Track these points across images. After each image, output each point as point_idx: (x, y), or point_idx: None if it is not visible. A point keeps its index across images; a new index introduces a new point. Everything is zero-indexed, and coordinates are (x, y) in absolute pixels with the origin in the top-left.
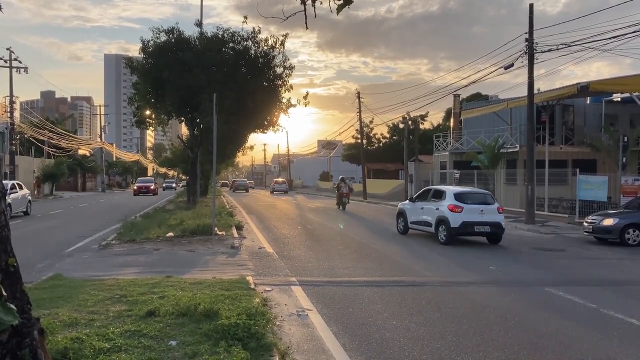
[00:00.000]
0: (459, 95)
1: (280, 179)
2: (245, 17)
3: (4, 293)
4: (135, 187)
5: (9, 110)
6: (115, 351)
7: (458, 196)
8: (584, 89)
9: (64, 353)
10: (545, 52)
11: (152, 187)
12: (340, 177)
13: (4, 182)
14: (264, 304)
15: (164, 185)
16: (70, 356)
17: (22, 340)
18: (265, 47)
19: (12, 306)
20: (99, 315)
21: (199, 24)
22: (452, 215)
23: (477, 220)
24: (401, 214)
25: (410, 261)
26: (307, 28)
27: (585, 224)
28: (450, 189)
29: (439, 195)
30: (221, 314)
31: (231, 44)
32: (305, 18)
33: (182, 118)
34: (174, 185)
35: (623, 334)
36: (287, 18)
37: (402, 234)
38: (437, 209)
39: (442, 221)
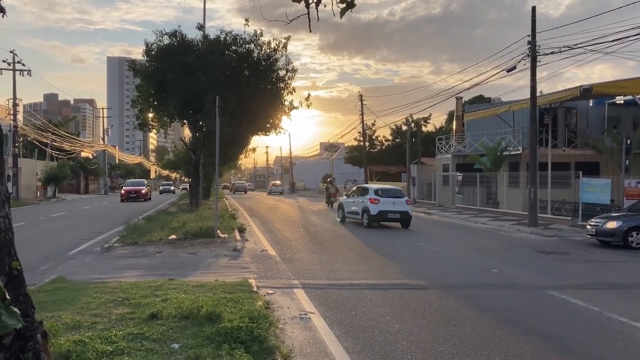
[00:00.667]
0: (461, 98)
1: (277, 182)
2: (247, 20)
3: (8, 296)
4: (122, 192)
5: (12, 112)
6: (118, 354)
7: (376, 192)
8: (586, 92)
9: (66, 356)
10: (547, 54)
11: (143, 192)
12: (328, 179)
13: None
14: (267, 307)
15: (160, 188)
16: (73, 359)
17: (26, 343)
18: (268, 50)
19: (16, 309)
20: (102, 318)
21: (202, 27)
22: (372, 205)
23: (390, 210)
24: (341, 206)
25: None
26: (310, 31)
27: (588, 226)
28: (372, 187)
29: (365, 191)
30: (224, 317)
31: (234, 47)
32: (309, 21)
33: (185, 120)
34: (172, 188)
35: (627, 337)
36: (291, 21)
37: (341, 222)
38: (363, 201)
39: (365, 210)
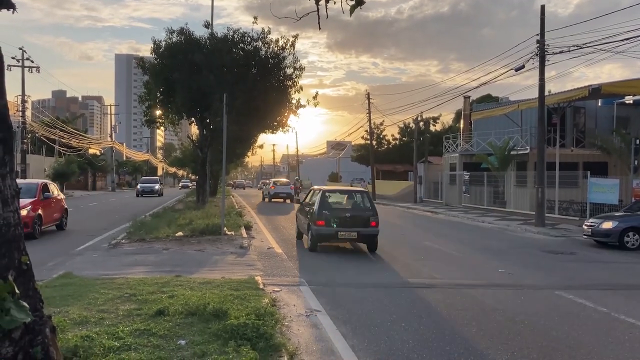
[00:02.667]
0: (469, 97)
1: (266, 181)
2: (255, 18)
3: (17, 291)
4: None
5: (20, 109)
6: (124, 350)
7: (275, 182)
8: (595, 91)
9: (74, 351)
10: (556, 54)
11: (31, 214)
12: (295, 178)
13: (27, 181)
14: (273, 304)
15: (138, 187)
16: (80, 354)
17: (35, 337)
18: (276, 48)
19: (25, 304)
20: (109, 313)
21: (209, 24)
22: (271, 189)
23: (280, 192)
24: (263, 192)
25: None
26: (320, 29)
27: (584, 227)
28: (272, 180)
29: (269, 183)
30: (230, 313)
31: (241, 45)
32: (318, 18)
33: (192, 118)
34: (157, 187)
35: (634, 338)
36: (300, 18)
37: (262, 200)
38: (268, 187)
39: (268, 192)
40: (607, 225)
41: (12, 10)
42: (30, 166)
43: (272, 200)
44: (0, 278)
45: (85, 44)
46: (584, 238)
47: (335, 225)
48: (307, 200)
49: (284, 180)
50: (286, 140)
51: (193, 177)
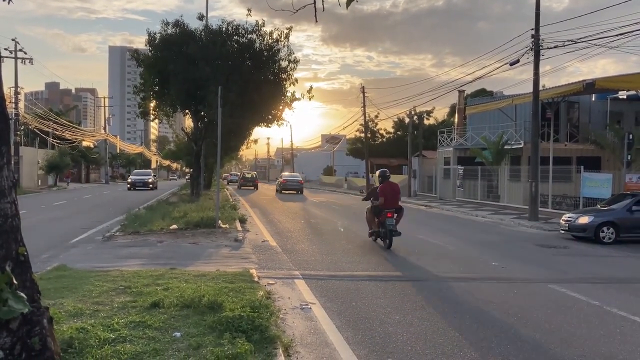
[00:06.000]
0: (463, 91)
1: (233, 172)
2: (249, 10)
3: (15, 281)
4: None
5: (14, 101)
6: (120, 342)
7: (229, 174)
8: (589, 86)
9: (69, 343)
10: (551, 48)
11: None
12: (246, 172)
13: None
14: (268, 297)
15: (130, 180)
16: (75, 346)
17: (32, 328)
18: (270, 41)
19: (22, 295)
20: (104, 306)
21: (203, 17)
22: (228, 177)
23: (233, 179)
24: (226, 179)
25: None
26: (316, 21)
27: (562, 221)
28: (229, 173)
29: (235, 176)
30: (225, 306)
31: (236, 37)
32: (315, 11)
33: (187, 110)
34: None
35: (625, 331)
36: (297, 11)
37: (226, 184)
38: (226, 176)
39: (226, 179)
40: (583, 220)
41: (7, 0)
42: (24, 158)
43: (228, 183)
44: None
45: (78, 35)
46: (561, 233)
47: None
48: None
49: (234, 172)
50: (281, 133)
51: (187, 169)
